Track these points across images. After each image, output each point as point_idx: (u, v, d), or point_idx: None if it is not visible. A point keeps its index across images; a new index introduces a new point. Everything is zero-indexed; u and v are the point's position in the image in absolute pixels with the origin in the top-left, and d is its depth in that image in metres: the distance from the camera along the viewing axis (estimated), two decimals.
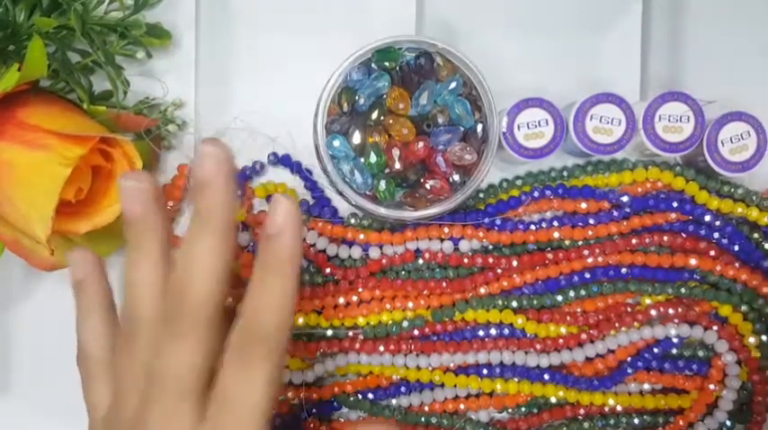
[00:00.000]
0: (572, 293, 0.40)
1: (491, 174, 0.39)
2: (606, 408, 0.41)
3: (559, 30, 0.42)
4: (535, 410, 0.41)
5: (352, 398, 0.40)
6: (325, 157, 0.36)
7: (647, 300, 0.41)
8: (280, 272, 0.26)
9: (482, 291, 0.40)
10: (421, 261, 0.40)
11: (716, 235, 0.40)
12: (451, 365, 0.40)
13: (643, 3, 0.42)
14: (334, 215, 0.41)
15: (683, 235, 0.40)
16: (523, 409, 0.41)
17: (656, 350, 0.40)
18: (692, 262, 0.40)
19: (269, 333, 0.25)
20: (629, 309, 0.41)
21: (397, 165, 0.36)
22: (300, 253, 0.26)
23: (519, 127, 0.39)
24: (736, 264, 0.40)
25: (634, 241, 0.40)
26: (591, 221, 0.40)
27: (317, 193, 0.41)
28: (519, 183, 0.41)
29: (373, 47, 0.36)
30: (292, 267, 0.26)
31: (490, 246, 0.41)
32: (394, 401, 0.41)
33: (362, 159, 0.36)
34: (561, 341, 0.40)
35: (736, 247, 0.40)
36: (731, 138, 0.39)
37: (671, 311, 0.40)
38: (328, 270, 0.40)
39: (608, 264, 0.40)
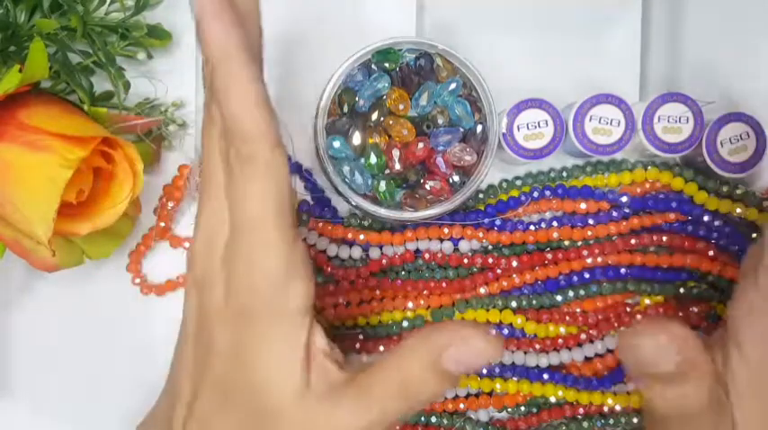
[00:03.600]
0: (571, 293, 0.40)
1: (491, 174, 0.39)
2: (605, 408, 0.41)
3: (559, 30, 0.42)
4: (534, 410, 0.41)
5: None
6: (325, 158, 0.36)
7: (646, 301, 0.41)
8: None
9: (482, 291, 0.40)
10: (421, 261, 0.41)
11: (715, 235, 0.40)
12: None
13: (643, 3, 0.42)
14: (335, 215, 0.41)
15: (682, 235, 0.40)
16: (523, 409, 0.41)
17: None
18: (691, 262, 0.40)
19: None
20: (628, 310, 0.41)
21: (397, 166, 0.36)
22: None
23: (519, 128, 0.39)
24: (735, 265, 0.40)
25: (633, 241, 0.40)
26: (590, 222, 0.40)
27: (317, 194, 0.41)
28: (518, 183, 0.41)
29: (373, 48, 0.36)
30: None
31: (490, 247, 0.41)
32: None
33: (362, 160, 0.36)
34: (560, 341, 0.41)
35: (735, 248, 0.40)
36: (730, 139, 0.39)
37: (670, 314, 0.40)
38: (328, 270, 0.40)
39: (607, 264, 0.40)
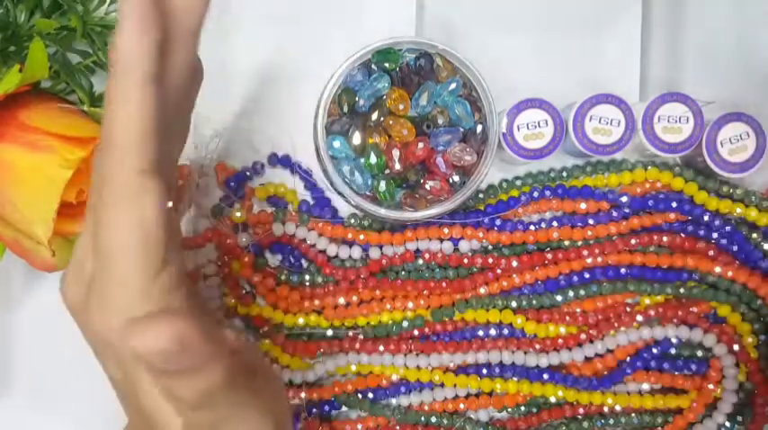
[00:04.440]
0: (571, 293, 0.41)
1: (491, 174, 0.39)
2: (605, 408, 0.41)
3: (559, 30, 0.42)
4: (534, 410, 0.41)
5: (352, 398, 0.40)
6: (325, 158, 0.36)
7: (647, 300, 0.41)
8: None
9: (482, 291, 0.40)
10: (421, 261, 0.41)
11: (715, 235, 0.40)
12: (451, 365, 0.40)
13: (643, 3, 0.42)
14: (335, 215, 0.41)
15: (682, 235, 0.40)
16: (523, 409, 0.41)
17: (654, 350, 0.41)
18: (691, 262, 0.40)
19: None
20: (628, 309, 0.41)
21: (397, 166, 0.36)
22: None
23: (519, 127, 0.39)
24: (735, 265, 0.40)
25: (633, 241, 0.40)
26: (590, 222, 0.40)
27: (317, 194, 0.41)
28: (518, 183, 0.41)
29: (373, 48, 0.36)
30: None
31: (490, 247, 0.41)
32: (394, 401, 0.41)
33: (362, 160, 0.36)
34: (560, 341, 0.41)
35: (735, 248, 0.40)
36: (730, 139, 0.39)
37: (669, 314, 0.40)
38: (328, 270, 0.40)
39: (607, 264, 0.40)
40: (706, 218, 0.40)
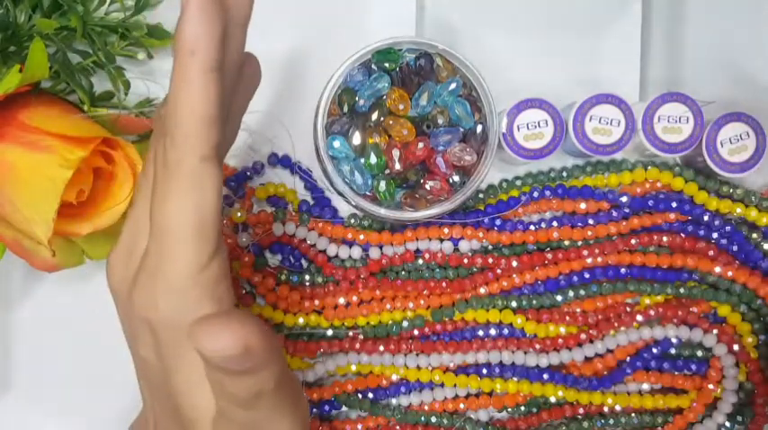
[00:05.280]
0: (571, 293, 0.41)
1: (491, 174, 0.39)
2: (605, 408, 0.41)
3: (559, 30, 0.42)
4: (534, 410, 0.41)
5: (352, 398, 0.40)
6: (325, 158, 0.36)
7: (647, 300, 0.41)
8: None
9: (482, 291, 0.40)
10: (421, 261, 0.41)
11: (715, 235, 0.40)
12: (451, 365, 0.40)
13: (643, 3, 0.42)
14: (335, 215, 0.41)
15: (682, 235, 0.40)
16: (523, 409, 0.41)
17: (654, 350, 0.41)
18: (691, 262, 0.40)
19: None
20: (628, 309, 0.41)
21: (397, 166, 0.36)
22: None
23: (519, 128, 0.39)
24: (735, 265, 0.40)
25: (633, 241, 0.40)
26: (590, 222, 0.40)
27: (317, 194, 0.41)
28: (518, 183, 0.41)
29: (373, 48, 0.36)
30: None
31: (490, 247, 0.41)
32: (394, 401, 0.41)
33: (362, 160, 0.36)
34: (560, 341, 0.41)
35: (735, 248, 0.40)
36: (730, 139, 0.39)
37: (669, 314, 0.40)
38: (328, 270, 0.40)
39: (607, 264, 0.40)
40: (706, 218, 0.40)
